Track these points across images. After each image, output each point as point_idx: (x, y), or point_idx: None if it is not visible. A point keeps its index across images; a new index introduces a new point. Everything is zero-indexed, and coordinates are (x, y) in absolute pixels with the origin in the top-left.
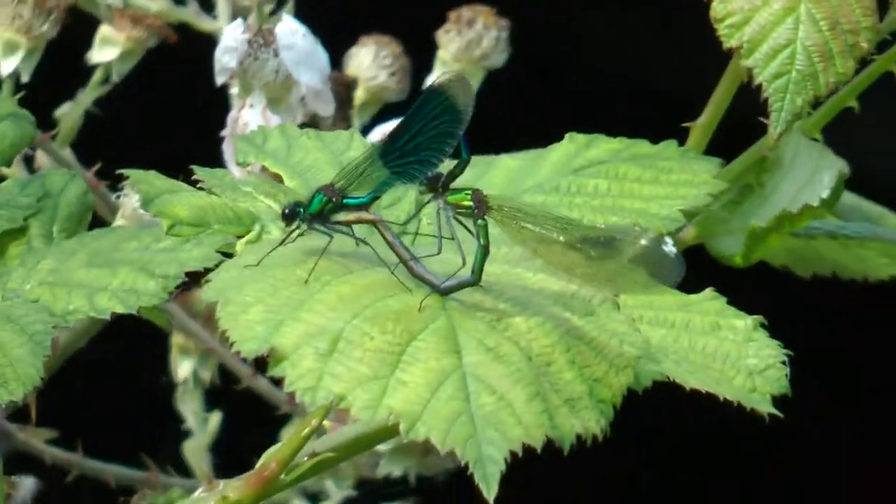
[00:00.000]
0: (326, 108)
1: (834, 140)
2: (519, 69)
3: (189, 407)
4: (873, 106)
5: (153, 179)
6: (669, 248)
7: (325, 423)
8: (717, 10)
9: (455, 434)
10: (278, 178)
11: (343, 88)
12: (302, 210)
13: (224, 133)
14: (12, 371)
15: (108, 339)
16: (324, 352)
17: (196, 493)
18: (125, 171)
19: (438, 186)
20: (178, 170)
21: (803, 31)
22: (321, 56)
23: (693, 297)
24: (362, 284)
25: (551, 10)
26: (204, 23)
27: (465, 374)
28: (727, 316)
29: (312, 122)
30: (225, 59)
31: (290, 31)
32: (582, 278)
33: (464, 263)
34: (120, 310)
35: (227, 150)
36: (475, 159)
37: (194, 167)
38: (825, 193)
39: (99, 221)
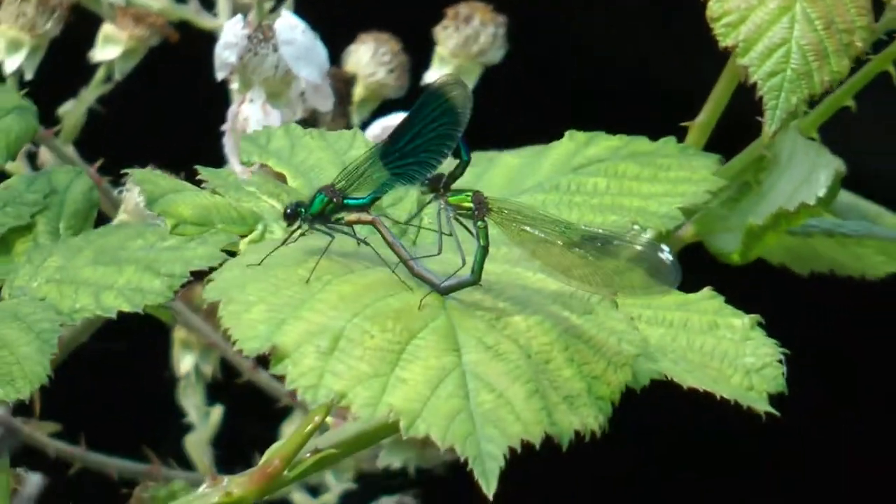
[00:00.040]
0: (325, 104)
1: (830, 139)
2: (516, 66)
3: (191, 401)
4: (870, 105)
5: (157, 179)
6: (666, 254)
7: (328, 419)
8: (713, 9)
9: (455, 431)
10: (282, 178)
11: (342, 85)
12: (303, 210)
13: (224, 127)
14: (19, 369)
15: (111, 333)
16: (325, 350)
17: (200, 489)
18: (130, 171)
19: (440, 187)
20: (180, 166)
21: (798, 30)
22: (320, 51)
23: (691, 296)
24: (363, 284)
25: (548, 7)
26: (204, 20)
27: (464, 372)
28: (725, 315)
29: (312, 118)
30: (225, 54)
31: (290, 26)
32: (580, 279)
33: (464, 263)
34: (126, 308)
35: (228, 143)
36: (476, 155)
37: (198, 167)
38: (822, 192)
39: (101, 216)
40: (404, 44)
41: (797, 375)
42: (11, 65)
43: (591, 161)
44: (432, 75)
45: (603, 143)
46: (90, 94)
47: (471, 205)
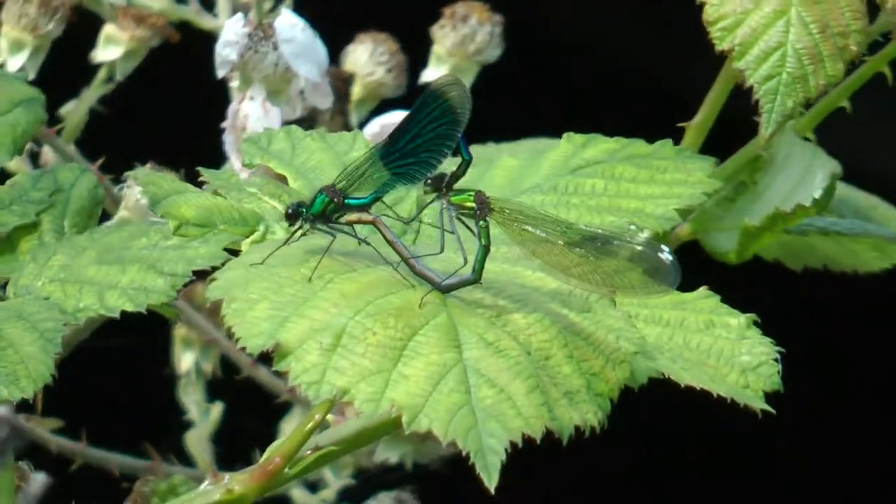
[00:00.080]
0: (325, 102)
1: (826, 139)
2: (513, 64)
3: (191, 398)
4: (865, 106)
5: (160, 181)
6: (666, 254)
7: (328, 416)
8: (709, 13)
9: (456, 425)
10: (283, 179)
11: (341, 83)
12: (304, 210)
13: (225, 125)
14: (23, 368)
15: (112, 330)
16: (328, 347)
17: (202, 486)
18: (132, 173)
19: (442, 187)
20: (180, 165)
21: (794, 34)
22: (320, 49)
23: (687, 295)
24: (365, 282)
25: (545, 6)
26: (205, 21)
27: (465, 368)
28: (721, 314)
29: (311, 116)
30: (226, 52)
31: (290, 24)
32: (579, 278)
33: (465, 262)
34: (129, 308)
35: (228, 141)
36: (475, 156)
37: (200, 169)
38: (817, 193)
39: (103, 214)
40: (402, 43)
41: (792, 373)
42: (14, 65)
43: (588, 163)
44: (429, 74)
45: (600, 146)
46: (92, 94)
47: (473, 204)
